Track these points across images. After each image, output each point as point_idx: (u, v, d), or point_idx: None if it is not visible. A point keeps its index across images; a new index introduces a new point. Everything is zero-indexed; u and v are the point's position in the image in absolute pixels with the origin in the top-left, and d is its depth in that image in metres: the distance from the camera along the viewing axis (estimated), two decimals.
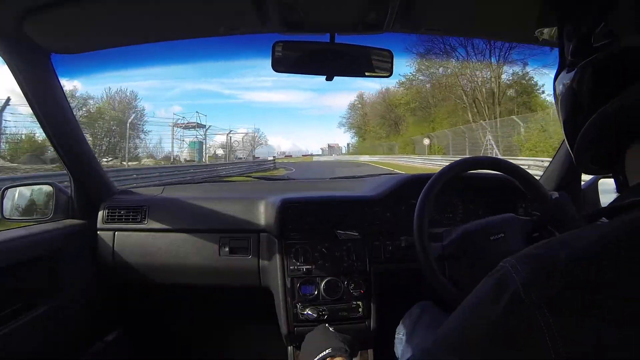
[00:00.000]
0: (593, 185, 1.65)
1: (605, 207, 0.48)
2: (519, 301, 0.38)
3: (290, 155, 58.32)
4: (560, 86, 0.57)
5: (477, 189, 1.57)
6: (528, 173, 1.15)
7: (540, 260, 0.41)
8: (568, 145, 0.58)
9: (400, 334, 1.22)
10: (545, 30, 0.61)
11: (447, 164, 1.15)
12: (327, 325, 1.13)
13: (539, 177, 1.69)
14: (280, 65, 1.16)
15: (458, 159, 1.19)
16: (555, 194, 1.10)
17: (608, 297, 0.36)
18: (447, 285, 1.04)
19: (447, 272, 1.10)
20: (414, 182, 1.48)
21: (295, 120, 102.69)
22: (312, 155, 56.14)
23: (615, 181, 0.55)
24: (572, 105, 0.56)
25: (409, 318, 1.23)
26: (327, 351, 0.94)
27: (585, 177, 1.68)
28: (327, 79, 1.21)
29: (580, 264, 0.38)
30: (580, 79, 0.53)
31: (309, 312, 1.40)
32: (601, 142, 0.52)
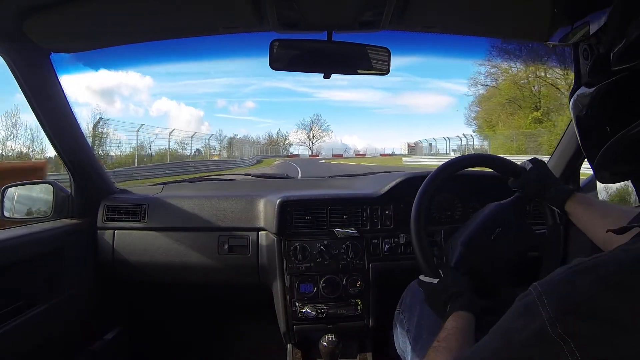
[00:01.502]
0: (591, 183, 1.65)
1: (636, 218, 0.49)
2: (545, 335, 0.41)
3: (364, 154, 48.46)
4: (578, 103, 0.58)
5: (475, 185, 1.58)
6: (499, 156, 1.14)
7: (564, 291, 0.43)
8: (587, 158, 0.58)
9: (401, 312, 1.15)
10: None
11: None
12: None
13: None
14: (278, 63, 1.17)
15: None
16: (529, 163, 1.10)
17: (630, 330, 0.38)
18: None
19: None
20: (413, 181, 1.48)
21: (370, 119, 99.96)
22: (393, 154, 43.08)
23: (635, 188, 0.55)
24: (591, 123, 0.56)
25: (411, 295, 1.17)
26: None
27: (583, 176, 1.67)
28: (324, 77, 1.22)
29: (605, 295, 0.40)
30: (600, 99, 0.53)
31: (308, 310, 1.41)
32: (624, 160, 0.53)
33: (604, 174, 0.57)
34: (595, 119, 0.55)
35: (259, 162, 32.13)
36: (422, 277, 1.01)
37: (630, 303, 0.39)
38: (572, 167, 1.62)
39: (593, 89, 0.53)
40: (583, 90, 0.56)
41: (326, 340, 1.37)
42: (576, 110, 0.58)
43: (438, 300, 0.90)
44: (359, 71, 1.23)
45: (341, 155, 47.08)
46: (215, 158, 25.30)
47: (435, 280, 0.96)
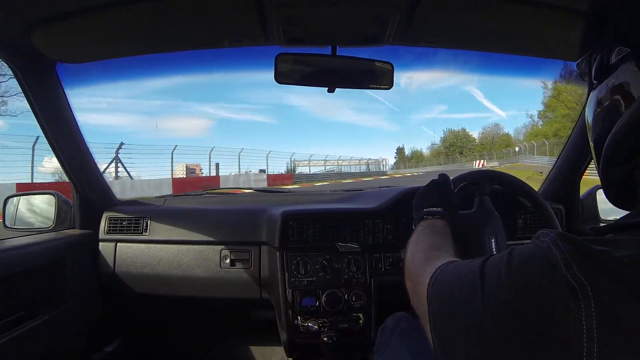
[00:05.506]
0: (591, 194, 1.65)
1: (614, 224, 0.48)
2: (561, 275, 0.39)
3: None
4: (589, 107, 0.60)
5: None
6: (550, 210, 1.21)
7: (579, 244, 0.41)
8: (597, 169, 0.58)
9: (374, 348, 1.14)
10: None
11: None
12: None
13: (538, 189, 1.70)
14: (283, 78, 1.18)
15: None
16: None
17: None
18: None
19: None
20: (414, 195, 1.48)
21: None
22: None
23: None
24: (595, 125, 0.57)
25: (382, 330, 1.15)
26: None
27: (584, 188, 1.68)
28: (329, 91, 1.23)
29: (621, 262, 0.38)
30: (600, 98, 0.55)
31: (310, 324, 1.39)
32: (617, 162, 0.52)
33: (609, 189, 0.56)
34: (597, 120, 0.56)
35: None
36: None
37: None
38: (572, 181, 1.63)
39: (596, 90, 0.56)
40: (592, 94, 0.58)
41: (326, 335, 1.38)
42: (588, 116, 0.60)
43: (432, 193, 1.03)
44: (362, 85, 1.24)
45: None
46: None
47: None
